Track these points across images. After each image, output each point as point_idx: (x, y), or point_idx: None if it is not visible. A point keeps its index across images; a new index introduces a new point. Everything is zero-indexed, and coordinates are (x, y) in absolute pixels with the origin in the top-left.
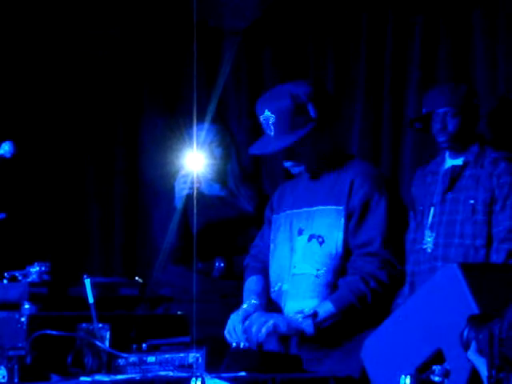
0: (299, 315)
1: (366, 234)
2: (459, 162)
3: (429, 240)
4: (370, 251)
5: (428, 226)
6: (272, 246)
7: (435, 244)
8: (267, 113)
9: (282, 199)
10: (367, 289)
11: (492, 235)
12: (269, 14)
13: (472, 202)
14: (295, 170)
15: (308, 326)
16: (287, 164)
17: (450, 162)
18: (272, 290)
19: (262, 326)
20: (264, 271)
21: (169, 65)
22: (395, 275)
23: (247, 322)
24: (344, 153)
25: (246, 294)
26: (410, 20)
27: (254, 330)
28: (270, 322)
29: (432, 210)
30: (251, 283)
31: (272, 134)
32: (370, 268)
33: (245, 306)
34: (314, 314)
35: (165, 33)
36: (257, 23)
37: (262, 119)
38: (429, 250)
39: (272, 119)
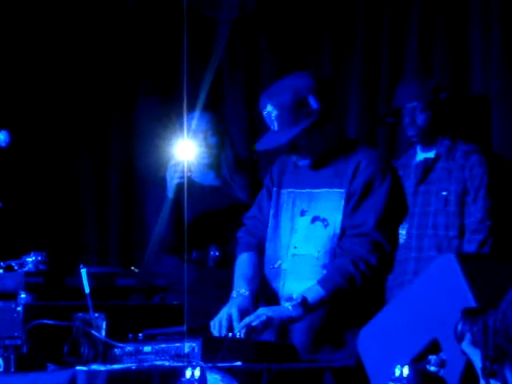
0: (288, 303)
1: (362, 215)
2: (431, 154)
3: (401, 231)
4: (361, 232)
5: None
6: (273, 221)
7: (408, 235)
8: (269, 107)
9: (283, 175)
10: (357, 272)
11: (464, 226)
12: (265, 2)
13: (444, 193)
14: (303, 163)
15: (299, 314)
16: (293, 157)
17: (422, 155)
18: (271, 266)
19: (255, 320)
20: (258, 247)
21: (164, 54)
22: (384, 258)
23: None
24: (347, 138)
25: (236, 276)
26: (407, 9)
27: (246, 322)
28: (264, 317)
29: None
30: (243, 263)
31: (276, 128)
32: (361, 251)
33: (234, 294)
34: (304, 302)
35: (160, 22)
36: (253, 11)
37: (264, 114)
38: (401, 241)
39: (274, 114)
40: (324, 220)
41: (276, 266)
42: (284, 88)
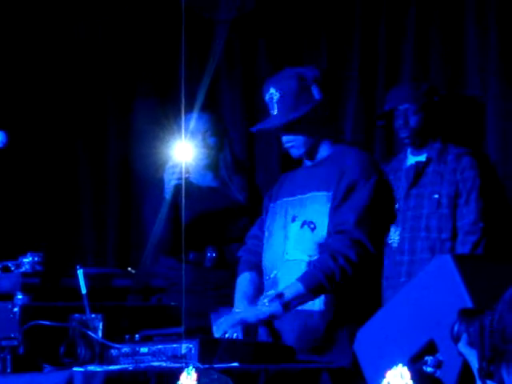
0: (265, 299)
1: (343, 214)
2: (422, 158)
3: (394, 235)
4: (342, 229)
5: None
6: (266, 233)
7: (401, 238)
8: (272, 90)
9: (280, 188)
10: (336, 266)
11: (457, 228)
12: (263, 3)
13: (436, 196)
14: (294, 153)
15: (276, 308)
16: (287, 144)
17: (413, 159)
18: (267, 277)
19: (230, 321)
20: (258, 266)
21: (162, 54)
22: (365, 256)
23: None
24: (340, 140)
25: (238, 294)
26: (403, 11)
27: (222, 326)
28: (238, 316)
29: (396, 205)
30: (244, 282)
31: (275, 112)
32: (339, 245)
33: (237, 310)
34: (280, 295)
35: (158, 22)
36: (251, 12)
37: (267, 97)
38: (394, 245)
39: (276, 97)
40: (311, 223)
41: (272, 275)
42: (290, 74)
